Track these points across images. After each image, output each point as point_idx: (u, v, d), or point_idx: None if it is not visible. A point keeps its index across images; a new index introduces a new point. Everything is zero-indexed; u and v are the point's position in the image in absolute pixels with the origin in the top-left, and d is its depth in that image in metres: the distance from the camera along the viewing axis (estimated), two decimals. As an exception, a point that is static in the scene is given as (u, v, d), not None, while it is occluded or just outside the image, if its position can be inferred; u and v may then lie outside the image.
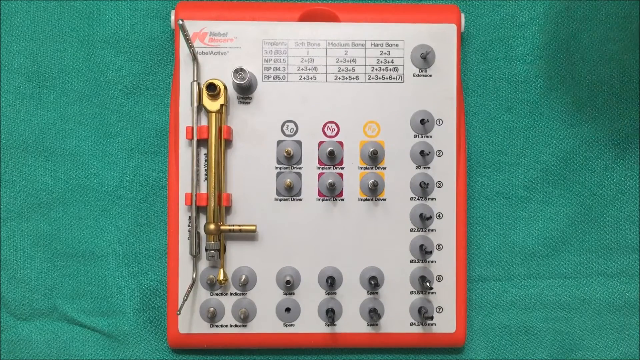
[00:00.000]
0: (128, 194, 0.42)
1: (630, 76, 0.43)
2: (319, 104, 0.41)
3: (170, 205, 0.40)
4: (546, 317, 0.43)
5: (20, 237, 0.42)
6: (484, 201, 0.43)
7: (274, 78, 0.40)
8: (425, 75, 0.41)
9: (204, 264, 0.40)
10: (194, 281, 0.40)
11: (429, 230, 0.41)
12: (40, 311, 0.42)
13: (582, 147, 0.43)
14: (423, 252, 0.40)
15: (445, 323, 0.41)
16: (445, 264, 0.41)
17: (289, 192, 0.40)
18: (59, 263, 0.42)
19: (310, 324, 0.41)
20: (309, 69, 0.40)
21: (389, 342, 0.41)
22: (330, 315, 0.40)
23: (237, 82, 0.39)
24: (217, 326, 0.41)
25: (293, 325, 0.41)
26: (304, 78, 0.40)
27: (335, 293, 0.41)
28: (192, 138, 0.39)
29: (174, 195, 0.40)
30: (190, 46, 0.39)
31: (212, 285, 0.40)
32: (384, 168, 0.41)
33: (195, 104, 0.39)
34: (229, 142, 0.40)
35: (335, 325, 0.41)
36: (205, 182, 0.40)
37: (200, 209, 0.40)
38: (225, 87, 0.39)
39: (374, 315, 0.40)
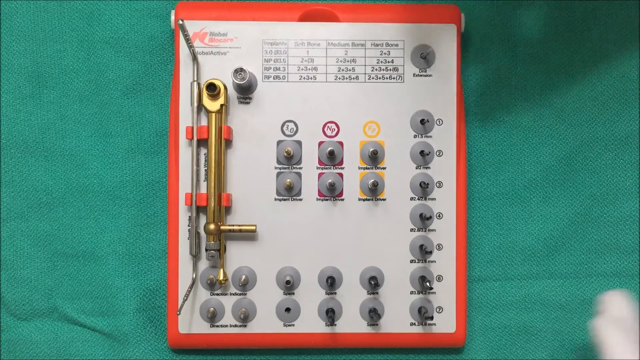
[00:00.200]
0: (128, 194, 0.42)
1: (630, 76, 0.43)
2: (319, 104, 0.41)
3: (170, 205, 0.40)
4: (546, 317, 0.43)
5: (20, 237, 0.42)
6: (484, 201, 0.43)
7: (274, 78, 0.40)
8: (425, 75, 0.41)
9: (204, 264, 0.40)
10: (194, 281, 0.40)
11: (429, 230, 0.41)
12: (40, 311, 0.42)
13: (582, 147, 0.43)
14: (423, 252, 0.40)
15: (445, 323, 0.41)
16: (445, 264, 0.41)
17: (289, 192, 0.40)
18: (59, 263, 0.42)
19: (310, 324, 0.41)
20: (309, 69, 0.40)
21: (389, 342, 0.41)
22: (330, 315, 0.40)
23: (237, 82, 0.39)
24: (217, 326, 0.41)
25: (293, 325, 0.41)
26: (304, 78, 0.40)
27: (335, 293, 0.41)
28: (192, 138, 0.39)
29: (174, 195, 0.40)
30: (190, 46, 0.39)
31: (212, 285, 0.40)
32: (384, 168, 0.41)
33: (195, 104, 0.39)
34: (229, 142, 0.40)
35: (335, 325, 0.41)
36: (205, 182, 0.40)
37: (200, 209, 0.40)
38: (225, 87, 0.39)
39: (374, 315, 0.40)
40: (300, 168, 0.41)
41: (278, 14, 0.40)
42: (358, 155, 0.41)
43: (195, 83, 0.39)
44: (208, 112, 0.39)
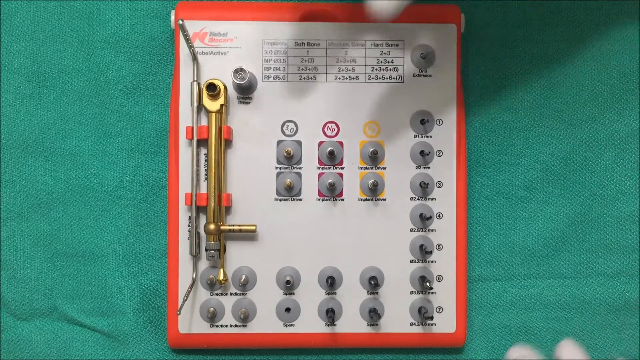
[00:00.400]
0: (128, 194, 0.42)
1: (630, 76, 0.43)
2: (319, 104, 0.40)
3: (170, 205, 0.40)
4: (546, 317, 0.43)
5: (20, 237, 0.42)
6: (484, 201, 0.43)
7: (274, 78, 0.40)
8: (425, 75, 0.41)
9: (204, 264, 0.40)
10: (194, 281, 0.40)
11: (429, 230, 0.41)
12: (40, 311, 0.42)
13: (582, 147, 0.43)
14: (423, 252, 0.40)
15: (445, 323, 0.41)
16: (445, 264, 0.41)
17: (289, 192, 0.40)
18: (59, 263, 0.42)
19: (310, 324, 0.41)
20: (309, 69, 0.40)
21: (389, 342, 0.41)
22: (330, 315, 0.40)
23: (237, 82, 0.39)
24: (217, 326, 0.41)
25: (293, 325, 0.41)
26: (304, 78, 0.40)
27: (335, 293, 0.41)
28: (192, 138, 0.39)
29: (174, 195, 0.40)
30: (190, 46, 0.39)
31: (212, 285, 0.40)
32: (384, 168, 0.41)
33: (195, 104, 0.39)
34: (229, 142, 0.40)
35: (335, 325, 0.41)
36: (205, 182, 0.40)
37: (200, 209, 0.40)
38: (225, 87, 0.39)
39: (374, 315, 0.40)
40: (300, 168, 0.41)
41: (278, 14, 0.40)
42: (358, 155, 0.41)
43: (195, 83, 0.39)
44: (208, 112, 0.39)
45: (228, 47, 0.40)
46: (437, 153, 0.41)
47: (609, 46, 0.43)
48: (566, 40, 0.43)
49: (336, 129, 0.41)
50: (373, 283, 0.40)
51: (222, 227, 0.39)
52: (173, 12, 0.41)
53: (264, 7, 0.41)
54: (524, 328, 0.43)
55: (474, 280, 0.43)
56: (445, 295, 0.41)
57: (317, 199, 0.40)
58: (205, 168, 0.40)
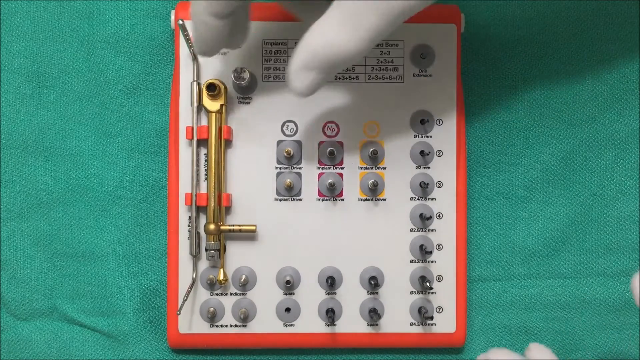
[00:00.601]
0: (128, 194, 0.42)
1: (630, 76, 0.43)
2: (319, 104, 0.40)
3: (170, 205, 0.40)
4: (546, 317, 0.43)
5: (20, 237, 0.42)
6: (484, 201, 0.43)
7: (274, 78, 0.40)
8: (425, 75, 0.41)
9: (204, 264, 0.40)
10: (194, 281, 0.40)
11: (429, 230, 0.41)
12: (40, 311, 0.42)
13: (582, 147, 0.43)
14: (423, 252, 0.40)
15: (445, 323, 0.41)
16: (445, 264, 0.41)
17: (289, 192, 0.40)
18: (59, 263, 0.42)
19: (310, 324, 0.41)
20: (309, 69, 0.40)
21: (389, 342, 0.41)
22: (330, 315, 0.40)
23: (237, 82, 0.39)
24: (217, 326, 0.41)
25: (293, 325, 0.41)
26: (304, 78, 0.40)
27: (335, 293, 0.41)
28: (192, 138, 0.39)
29: (174, 195, 0.40)
30: (190, 46, 0.39)
31: (212, 285, 0.40)
32: (384, 168, 0.41)
33: (195, 104, 0.39)
34: (229, 142, 0.40)
35: (335, 325, 0.41)
36: (205, 182, 0.40)
37: (200, 209, 0.40)
38: (226, 87, 0.39)
39: (374, 315, 0.40)
40: (300, 168, 0.41)
41: (278, 14, 0.40)
42: (358, 155, 0.41)
43: (195, 83, 0.39)
44: (208, 112, 0.39)
45: (228, 47, 0.40)
46: (437, 153, 0.41)
47: (609, 46, 0.43)
48: (566, 40, 0.43)
49: (336, 129, 0.41)
50: (373, 283, 0.40)
51: (222, 227, 0.39)
52: (173, 12, 0.41)
53: (264, 7, 0.41)
54: (524, 328, 0.43)
55: (474, 280, 0.43)
56: (445, 295, 0.41)
57: (317, 199, 0.40)
58: (205, 168, 0.40)
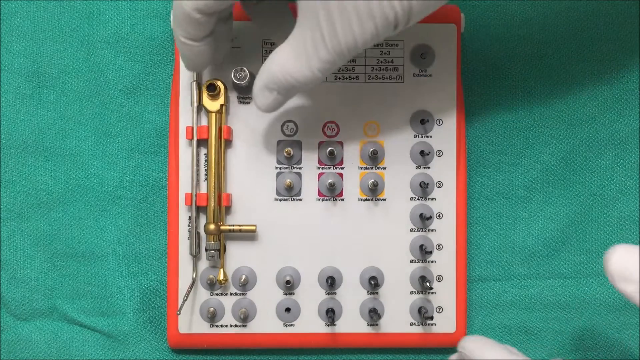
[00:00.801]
0: (128, 194, 0.42)
1: (630, 76, 0.43)
2: (319, 104, 0.41)
3: (170, 205, 0.40)
4: (546, 317, 0.43)
5: (20, 237, 0.42)
6: (484, 201, 0.43)
7: (274, 78, 0.40)
8: (425, 75, 0.41)
9: (204, 264, 0.40)
10: (194, 281, 0.40)
11: (429, 230, 0.41)
12: (40, 311, 0.42)
13: (582, 147, 0.43)
14: (423, 252, 0.40)
15: (445, 323, 0.41)
16: (445, 264, 0.41)
17: (289, 192, 0.40)
18: (59, 263, 0.42)
19: (310, 324, 0.41)
20: (309, 69, 0.40)
21: (389, 342, 0.41)
22: (330, 315, 0.40)
23: (237, 82, 0.39)
24: (217, 326, 0.41)
25: (293, 325, 0.41)
26: (304, 78, 0.40)
27: (335, 293, 0.41)
28: (192, 138, 0.39)
29: (174, 195, 0.40)
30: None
31: (212, 285, 0.40)
32: (384, 168, 0.41)
33: (195, 104, 0.39)
34: (229, 142, 0.40)
35: (335, 325, 0.41)
36: (205, 182, 0.40)
37: (200, 209, 0.40)
38: (226, 87, 0.39)
39: (374, 315, 0.40)
40: (300, 168, 0.41)
41: (278, 14, 0.40)
42: (358, 155, 0.41)
43: (195, 83, 0.39)
44: (208, 112, 0.39)
45: (228, 47, 0.40)
46: (437, 153, 0.41)
47: (609, 46, 0.43)
48: (566, 40, 0.43)
49: (336, 129, 0.41)
50: (373, 283, 0.40)
51: (222, 227, 0.39)
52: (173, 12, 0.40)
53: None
54: (524, 328, 0.43)
55: (474, 280, 0.43)
56: (445, 295, 0.41)
57: (317, 199, 0.40)
58: (205, 168, 0.40)
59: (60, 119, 0.42)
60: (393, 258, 0.41)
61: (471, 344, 0.35)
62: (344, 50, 0.30)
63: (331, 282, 0.40)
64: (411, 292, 0.41)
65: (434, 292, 0.41)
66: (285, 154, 0.40)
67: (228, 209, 0.40)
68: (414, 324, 0.41)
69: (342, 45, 0.30)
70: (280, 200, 0.40)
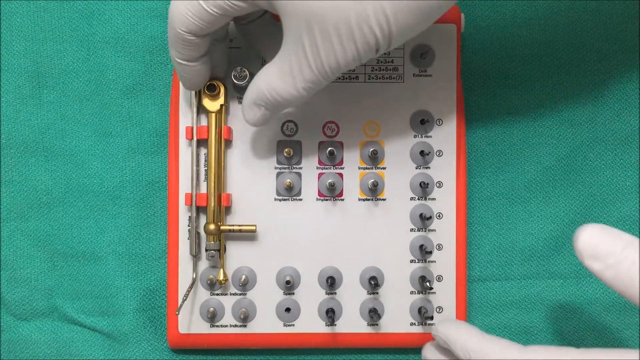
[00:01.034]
0: (128, 194, 0.42)
1: (630, 76, 0.43)
2: (319, 104, 0.40)
3: (170, 205, 0.40)
4: (546, 317, 0.43)
5: (20, 237, 0.42)
6: (484, 201, 0.43)
7: (274, 78, 0.40)
8: (425, 75, 0.41)
9: (204, 264, 0.40)
10: (194, 281, 0.40)
11: (429, 230, 0.41)
12: (40, 311, 0.42)
13: (582, 147, 0.43)
14: (423, 252, 0.40)
15: (445, 323, 0.41)
16: (445, 264, 0.41)
17: (289, 192, 0.40)
18: (59, 263, 0.42)
19: (310, 324, 0.41)
20: (309, 69, 0.40)
21: (389, 342, 0.41)
22: (330, 315, 0.40)
23: (237, 82, 0.39)
24: (217, 326, 0.41)
25: (293, 325, 0.41)
26: (304, 78, 0.40)
27: (335, 293, 0.41)
28: (192, 138, 0.39)
29: (174, 195, 0.40)
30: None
31: (212, 285, 0.40)
32: (384, 168, 0.41)
33: (195, 104, 0.39)
34: (229, 142, 0.40)
35: (335, 325, 0.41)
36: (205, 182, 0.40)
37: (200, 209, 0.40)
38: (226, 87, 0.39)
39: (374, 315, 0.40)
40: (300, 168, 0.41)
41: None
42: (358, 155, 0.41)
43: (195, 83, 0.39)
44: (208, 112, 0.39)
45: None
46: (437, 153, 0.41)
47: (609, 46, 0.43)
48: (566, 40, 0.43)
49: (336, 129, 0.41)
50: (373, 283, 0.40)
51: (222, 227, 0.39)
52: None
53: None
54: (524, 328, 0.43)
55: (474, 280, 0.43)
56: (445, 295, 0.41)
57: (317, 199, 0.40)
58: (205, 168, 0.40)
59: (60, 119, 0.42)
60: (393, 258, 0.41)
61: (444, 328, 0.36)
62: (328, 72, 0.32)
63: (331, 282, 0.40)
64: (411, 292, 0.41)
65: (434, 292, 0.41)
66: (285, 154, 0.40)
67: (228, 209, 0.40)
68: (414, 324, 0.41)
69: (325, 67, 0.32)
70: (280, 200, 0.40)
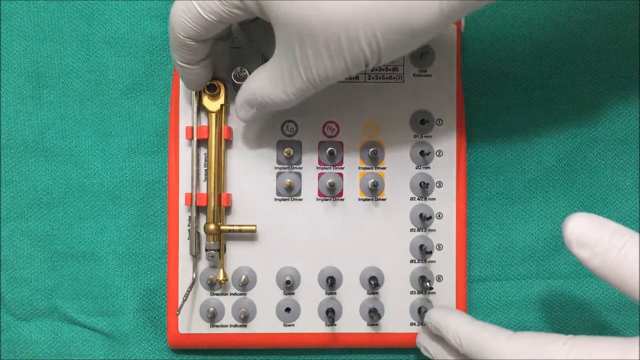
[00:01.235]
0: (128, 194, 0.42)
1: (630, 76, 0.43)
2: (319, 104, 0.40)
3: (170, 205, 0.40)
4: (546, 317, 0.43)
5: (20, 237, 0.42)
6: (484, 201, 0.43)
7: (274, 78, 0.40)
8: (425, 75, 0.41)
9: (204, 264, 0.40)
10: (194, 281, 0.40)
11: (429, 230, 0.41)
12: (40, 311, 0.42)
13: (582, 147, 0.43)
14: (423, 252, 0.40)
15: (445, 323, 0.41)
16: (445, 264, 0.41)
17: (289, 192, 0.40)
18: (59, 263, 0.42)
19: (310, 324, 0.41)
20: (309, 69, 0.40)
21: (389, 342, 0.41)
22: (330, 315, 0.40)
23: (237, 82, 0.39)
24: (217, 326, 0.41)
25: (293, 325, 0.41)
26: (304, 78, 0.40)
27: (335, 293, 0.41)
28: (192, 138, 0.39)
29: (174, 195, 0.40)
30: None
31: (212, 285, 0.40)
32: (384, 168, 0.41)
33: (195, 104, 0.39)
34: (229, 142, 0.40)
35: (335, 325, 0.41)
36: (205, 182, 0.40)
37: (200, 209, 0.40)
38: (226, 87, 0.39)
39: (374, 315, 0.40)
40: (300, 168, 0.41)
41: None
42: (358, 155, 0.41)
43: (195, 83, 0.39)
44: (208, 112, 0.39)
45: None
46: (437, 153, 0.41)
47: (609, 46, 0.43)
48: (566, 40, 0.43)
49: (336, 129, 0.41)
50: (373, 283, 0.40)
51: (222, 227, 0.39)
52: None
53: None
54: (524, 328, 0.43)
55: (474, 280, 0.43)
56: (445, 295, 0.41)
57: (317, 199, 0.40)
58: (205, 168, 0.40)
59: (60, 119, 0.42)
60: (393, 258, 0.41)
61: (436, 315, 0.37)
62: (317, 82, 0.33)
63: (331, 282, 0.40)
64: (411, 292, 0.41)
65: (434, 292, 0.41)
66: (285, 154, 0.40)
67: (228, 209, 0.40)
68: (414, 324, 0.41)
69: (315, 77, 0.32)
70: (280, 200, 0.40)
